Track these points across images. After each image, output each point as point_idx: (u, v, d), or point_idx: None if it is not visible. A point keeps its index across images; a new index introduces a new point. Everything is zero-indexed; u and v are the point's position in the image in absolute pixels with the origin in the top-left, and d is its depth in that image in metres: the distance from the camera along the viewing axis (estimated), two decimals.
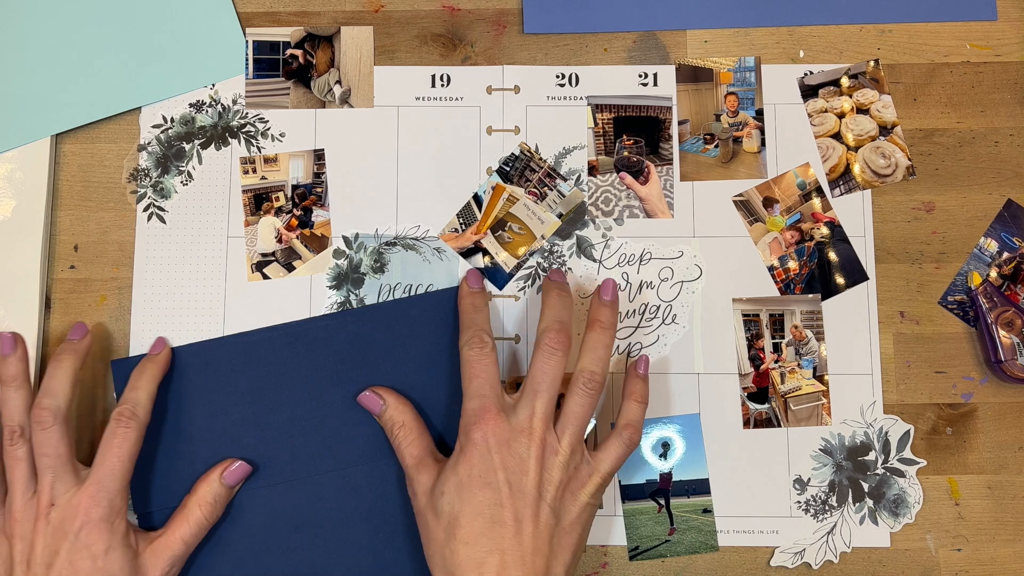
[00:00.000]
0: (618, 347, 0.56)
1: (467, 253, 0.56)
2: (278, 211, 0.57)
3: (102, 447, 0.49)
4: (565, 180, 0.56)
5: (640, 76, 0.58)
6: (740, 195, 0.57)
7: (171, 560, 0.49)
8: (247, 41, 0.59)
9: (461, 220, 0.55)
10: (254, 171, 0.57)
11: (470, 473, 0.47)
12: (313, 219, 0.57)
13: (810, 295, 0.56)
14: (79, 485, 0.48)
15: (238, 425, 0.54)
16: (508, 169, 0.57)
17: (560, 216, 0.56)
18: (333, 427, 0.54)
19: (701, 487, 0.55)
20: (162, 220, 0.57)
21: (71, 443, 0.50)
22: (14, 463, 0.49)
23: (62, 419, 0.49)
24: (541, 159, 0.53)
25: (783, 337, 0.56)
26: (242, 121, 0.58)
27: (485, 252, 0.56)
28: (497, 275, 0.56)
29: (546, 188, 0.56)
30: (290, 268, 0.57)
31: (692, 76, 0.59)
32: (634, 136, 0.58)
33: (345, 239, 0.57)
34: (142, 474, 0.53)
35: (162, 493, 0.53)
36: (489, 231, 0.56)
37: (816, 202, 0.57)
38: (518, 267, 0.56)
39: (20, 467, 0.49)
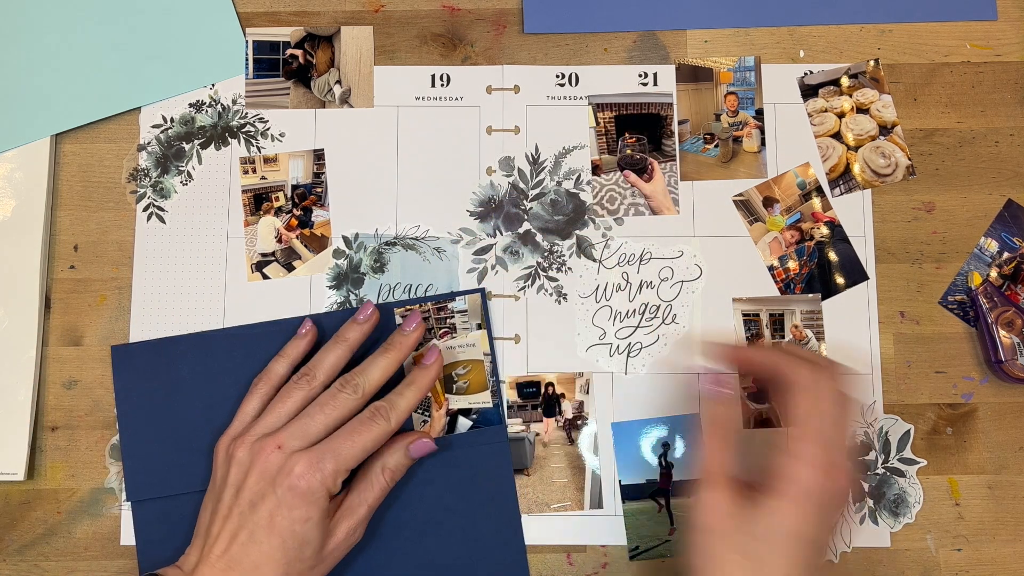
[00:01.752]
0: (617, 347, 0.56)
1: (451, 427, 0.54)
2: (278, 211, 0.57)
3: (352, 426, 0.49)
4: (453, 299, 0.55)
5: (640, 76, 0.58)
6: (740, 195, 0.57)
7: (357, 522, 0.49)
8: (247, 41, 0.59)
9: (421, 411, 0.54)
10: (254, 171, 0.57)
11: (800, 530, 0.42)
12: (313, 219, 0.57)
13: (810, 295, 0.56)
14: (311, 446, 0.48)
15: None
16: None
17: (479, 326, 0.55)
18: None
19: None
20: (162, 220, 0.57)
21: (339, 424, 0.49)
22: (285, 396, 0.50)
23: (359, 399, 0.50)
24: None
25: (783, 337, 0.56)
26: (242, 121, 0.58)
27: (466, 412, 0.54)
28: (492, 415, 0.54)
29: (447, 319, 0.55)
30: (290, 268, 0.57)
31: (692, 76, 0.58)
32: (636, 134, 0.58)
33: (345, 239, 0.57)
34: (139, 463, 0.53)
35: (158, 483, 0.53)
36: (446, 397, 0.54)
37: (816, 202, 0.57)
38: (497, 395, 0.54)
39: (286, 403, 0.49)
